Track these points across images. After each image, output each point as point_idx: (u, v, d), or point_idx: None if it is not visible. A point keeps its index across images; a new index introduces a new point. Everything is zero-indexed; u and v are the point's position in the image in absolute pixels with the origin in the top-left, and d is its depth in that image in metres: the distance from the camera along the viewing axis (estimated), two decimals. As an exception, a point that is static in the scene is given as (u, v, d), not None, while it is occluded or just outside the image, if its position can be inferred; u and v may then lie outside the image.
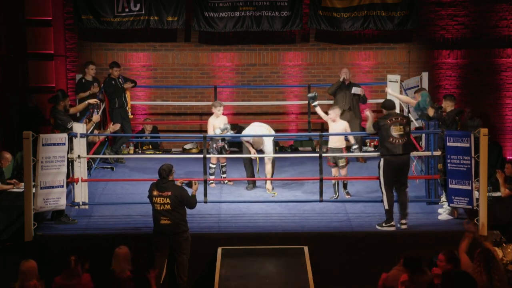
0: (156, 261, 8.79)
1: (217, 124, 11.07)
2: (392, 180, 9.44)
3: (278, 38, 14.40)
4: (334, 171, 10.62)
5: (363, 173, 11.78)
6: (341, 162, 10.51)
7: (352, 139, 10.82)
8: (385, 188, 9.43)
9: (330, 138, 10.68)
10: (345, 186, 10.73)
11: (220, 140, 10.98)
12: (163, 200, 8.68)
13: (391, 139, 9.36)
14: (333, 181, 10.54)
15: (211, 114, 11.38)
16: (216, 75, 14.50)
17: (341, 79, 12.40)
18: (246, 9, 14.04)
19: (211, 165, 11.06)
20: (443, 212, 9.91)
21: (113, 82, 12.46)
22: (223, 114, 11.33)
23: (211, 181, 10.68)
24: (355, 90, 12.39)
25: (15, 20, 14.01)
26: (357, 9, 14.04)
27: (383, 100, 13.26)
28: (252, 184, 11.14)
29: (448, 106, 10.31)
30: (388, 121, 9.41)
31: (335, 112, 10.70)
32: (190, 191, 8.89)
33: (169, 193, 8.69)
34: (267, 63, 14.49)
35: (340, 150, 10.59)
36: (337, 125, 10.69)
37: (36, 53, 14.05)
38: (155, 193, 8.75)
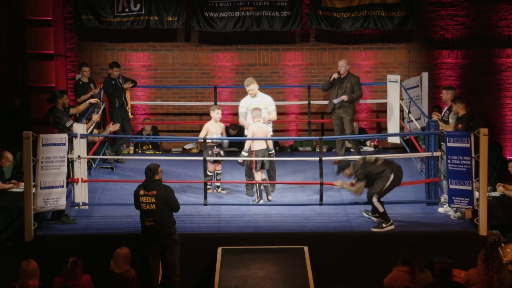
0: (150, 262, 8.76)
1: (212, 130, 10.73)
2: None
3: (278, 38, 14.40)
4: (258, 175, 10.42)
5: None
6: (267, 164, 10.46)
7: (270, 144, 10.58)
8: (377, 198, 9.39)
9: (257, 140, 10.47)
10: (267, 187, 10.53)
11: (215, 147, 10.75)
12: (148, 199, 8.66)
13: (378, 163, 9.36)
14: (258, 185, 10.42)
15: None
16: (216, 75, 14.50)
17: (331, 79, 12.02)
18: (246, 9, 14.05)
19: (208, 173, 10.55)
20: (451, 211, 9.86)
21: (113, 82, 12.46)
22: (221, 120, 10.95)
23: (208, 187, 10.52)
24: (337, 100, 11.98)
25: (15, 20, 14.02)
26: (357, 9, 14.04)
27: (383, 100, 13.38)
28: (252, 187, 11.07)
29: (459, 109, 10.10)
30: (374, 169, 9.32)
31: (255, 113, 10.56)
32: None
33: (155, 192, 8.67)
34: (267, 63, 14.49)
35: (266, 151, 10.45)
36: (252, 127, 10.52)
37: (36, 53, 14.04)
38: (141, 192, 8.72)
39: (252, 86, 10.89)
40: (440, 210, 10.03)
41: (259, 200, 10.40)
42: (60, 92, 10.58)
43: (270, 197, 10.55)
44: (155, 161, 12.14)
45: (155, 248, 8.73)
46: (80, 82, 12.78)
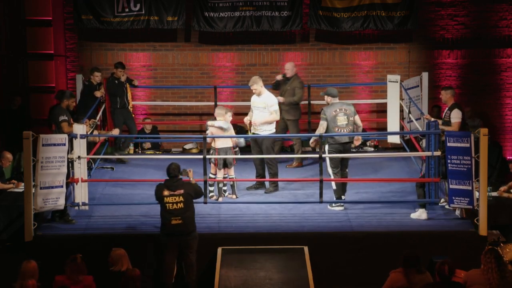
0: (166, 261, 8.76)
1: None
2: (338, 164, 10.15)
3: (278, 38, 14.40)
4: (220, 172, 10.50)
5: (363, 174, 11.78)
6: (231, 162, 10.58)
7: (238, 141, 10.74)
8: (333, 171, 10.14)
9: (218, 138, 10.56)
10: (233, 187, 10.66)
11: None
12: (175, 199, 8.64)
13: (336, 129, 10.05)
14: (217, 182, 10.50)
15: (211, 114, 11.32)
16: (216, 75, 14.50)
17: (275, 79, 12.36)
18: (246, 9, 14.05)
19: (211, 175, 10.54)
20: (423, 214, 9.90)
21: (116, 81, 12.46)
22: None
23: (212, 194, 10.55)
24: (279, 99, 12.03)
25: (15, 20, 14.02)
26: (357, 9, 14.04)
27: (382, 100, 13.38)
28: (258, 184, 11.09)
29: (448, 99, 10.34)
30: (334, 112, 10.09)
31: (216, 112, 10.66)
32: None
33: (182, 191, 8.67)
34: (267, 63, 14.49)
35: (229, 149, 10.53)
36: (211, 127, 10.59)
37: (36, 53, 14.05)
38: (166, 193, 8.69)
39: (255, 86, 10.95)
40: (412, 215, 9.95)
41: (218, 198, 10.49)
42: (70, 94, 10.60)
43: (233, 196, 10.62)
44: (155, 161, 12.22)
45: (173, 247, 8.73)
46: (86, 83, 12.70)
